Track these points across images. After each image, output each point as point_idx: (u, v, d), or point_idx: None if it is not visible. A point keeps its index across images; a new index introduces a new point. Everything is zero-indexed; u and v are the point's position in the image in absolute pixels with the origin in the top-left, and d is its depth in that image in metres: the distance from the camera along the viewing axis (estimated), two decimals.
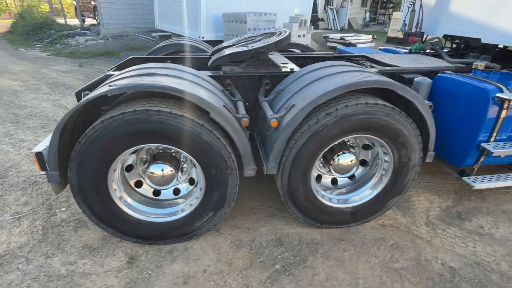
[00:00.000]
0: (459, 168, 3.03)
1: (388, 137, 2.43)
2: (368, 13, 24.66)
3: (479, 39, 3.42)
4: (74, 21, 16.97)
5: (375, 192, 2.69)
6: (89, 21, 16.44)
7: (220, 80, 2.76)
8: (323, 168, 2.82)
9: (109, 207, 2.33)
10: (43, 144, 2.21)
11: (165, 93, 2.12)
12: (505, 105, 2.58)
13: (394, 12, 17.84)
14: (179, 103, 2.20)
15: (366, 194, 2.72)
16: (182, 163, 2.60)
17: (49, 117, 5.14)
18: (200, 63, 3.54)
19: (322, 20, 19.62)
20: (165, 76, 2.27)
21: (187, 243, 2.57)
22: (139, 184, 2.60)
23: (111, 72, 2.87)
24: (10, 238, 2.59)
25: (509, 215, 3.04)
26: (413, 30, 4.22)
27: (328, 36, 12.47)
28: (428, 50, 4.17)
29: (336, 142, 2.44)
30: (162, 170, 2.38)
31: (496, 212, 3.08)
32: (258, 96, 2.76)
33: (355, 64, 3.05)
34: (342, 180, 2.87)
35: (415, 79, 2.92)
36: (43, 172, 2.18)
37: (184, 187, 2.67)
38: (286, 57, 3.57)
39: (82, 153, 2.10)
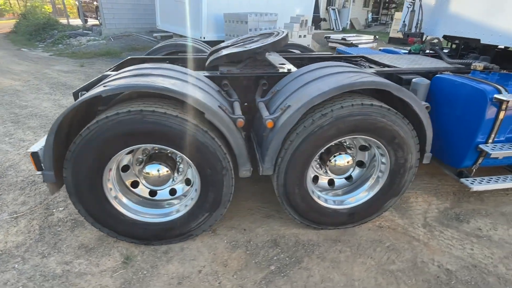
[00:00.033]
0: (457, 170, 3.01)
1: (384, 138, 2.42)
2: (370, 14, 24.61)
3: (479, 40, 3.40)
4: (76, 22, 17.09)
5: (372, 193, 2.68)
6: (91, 22, 16.54)
7: (217, 81, 2.76)
8: (320, 169, 2.81)
9: (105, 207, 2.34)
10: (39, 144, 2.22)
11: (161, 93, 2.12)
12: (503, 106, 2.56)
13: (396, 13, 17.79)
14: (174, 103, 2.20)
15: (362, 195, 2.70)
16: (178, 163, 2.60)
17: (49, 117, 5.17)
18: (198, 64, 3.55)
19: (324, 20, 19.62)
20: (160, 77, 2.27)
21: (183, 243, 2.57)
22: (135, 184, 2.61)
23: (108, 73, 2.87)
24: (7, 237, 2.60)
25: (507, 217, 3.01)
26: (413, 30, 4.20)
27: (330, 37, 12.46)
28: (427, 51, 4.15)
29: (332, 143, 2.44)
30: (158, 171, 2.39)
31: (494, 214, 3.06)
32: (255, 97, 2.76)
33: (352, 65, 3.04)
34: (338, 181, 2.86)
35: (413, 80, 2.91)
36: (39, 172, 2.19)
37: (180, 187, 2.67)
38: (284, 57, 3.57)
39: (77, 153, 2.10)
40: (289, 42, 4.39)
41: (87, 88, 2.65)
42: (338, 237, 2.70)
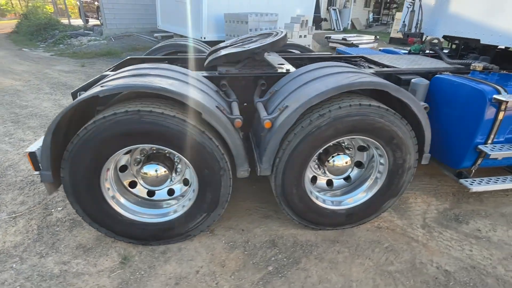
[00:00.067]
0: (457, 170, 3.00)
1: (382, 139, 2.41)
2: (371, 14, 24.56)
3: (479, 40, 3.38)
4: (78, 22, 17.13)
5: (370, 194, 2.67)
6: (92, 22, 16.57)
7: (216, 81, 2.76)
8: (318, 170, 2.80)
9: (102, 207, 2.33)
10: (37, 144, 2.22)
11: (158, 94, 2.12)
12: (503, 107, 2.55)
13: (397, 13, 17.75)
14: (172, 104, 2.20)
15: (360, 196, 2.69)
16: (176, 163, 2.60)
17: (50, 117, 5.17)
18: (197, 64, 3.55)
19: (325, 20, 19.59)
20: (158, 77, 2.27)
21: (181, 244, 2.57)
22: (133, 184, 2.61)
23: (106, 73, 2.87)
24: (5, 237, 2.61)
25: (507, 218, 3.00)
26: (413, 30, 4.18)
27: (330, 37, 12.45)
28: (427, 51, 4.14)
29: (330, 144, 2.43)
30: (156, 171, 2.38)
31: (494, 215, 3.04)
32: (254, 97, 2.76)
33: (351, 65, 3.03)
34: (337, 181, 2.85)
35: (412, 80, 2.90)
36: (37, 172, 2.19)
37: (178, 187, 2.67)
38: (283, 57, 3.56)
39: (75, 153, 2.10)
40: (288, 42, 4.39)
41: (86, 88, 2.64)
42: (336, 237, 2.69)
